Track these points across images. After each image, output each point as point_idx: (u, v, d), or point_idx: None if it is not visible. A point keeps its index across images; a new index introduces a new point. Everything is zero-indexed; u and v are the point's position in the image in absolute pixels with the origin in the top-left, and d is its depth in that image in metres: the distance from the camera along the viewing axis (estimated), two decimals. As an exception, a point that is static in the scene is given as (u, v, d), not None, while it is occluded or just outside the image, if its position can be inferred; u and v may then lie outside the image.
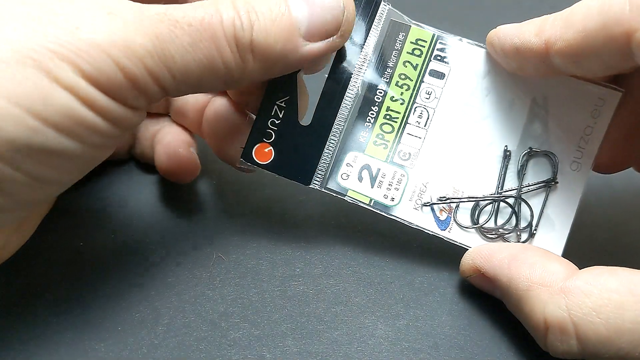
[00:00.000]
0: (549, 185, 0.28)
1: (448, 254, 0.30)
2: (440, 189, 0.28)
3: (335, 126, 0.27)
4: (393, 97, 0.28)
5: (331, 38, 0.25)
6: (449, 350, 0.26)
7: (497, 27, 0.27)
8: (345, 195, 0.28)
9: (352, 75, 0.27)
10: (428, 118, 0.28)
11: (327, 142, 0.27)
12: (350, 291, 0.28)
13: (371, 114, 0.28)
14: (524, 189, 0.28)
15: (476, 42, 0.28)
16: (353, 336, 0.26)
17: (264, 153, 0.27)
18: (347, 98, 0.27)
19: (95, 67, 0.20)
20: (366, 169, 0.28)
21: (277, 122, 0.27)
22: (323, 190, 0.28)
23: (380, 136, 0.28)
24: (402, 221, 0.28)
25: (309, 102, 0.28)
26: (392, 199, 0.28)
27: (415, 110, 0.28)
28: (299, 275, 0.28)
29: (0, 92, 0.19)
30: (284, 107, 0.27)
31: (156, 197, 0.31)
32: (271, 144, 0.27)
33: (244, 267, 0.29)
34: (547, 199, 0.28)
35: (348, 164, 0.28)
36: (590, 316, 0.22)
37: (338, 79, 0.27)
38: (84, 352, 0.25)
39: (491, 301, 0.28)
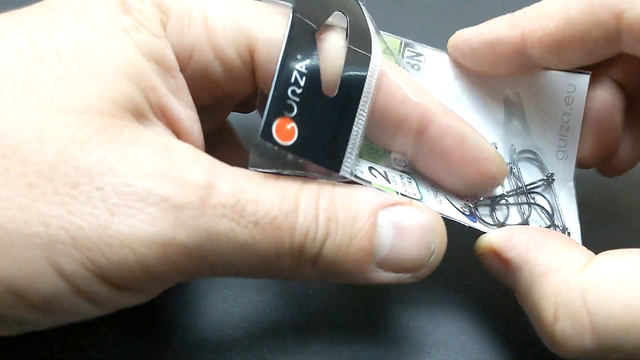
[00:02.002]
0: (549, 180, 0.28)
1: (448, 254, 0.30)
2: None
3: (362, 102, 0.23)
4: None
5: (404, 274, 0.22)
6: (449, 350, 0.26)
7: (458, 31, 0.27)
8: (371, 185, 0.24)
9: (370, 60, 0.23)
10: None
11: (355, 121, 0.23)
12: (350, 291, 0.28)
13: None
14: (529, 186, 0.28)
15: (439, 49, 0.28)
16: (353, 336, 0.26)
17: (285, 131, 0.21)
18: (369, 77, 0.23)
19: (112, 263, 0.18)
20: (374, 169, 0.25)
21: (298, 91, 0.21)
22: (352, 178, 0.23)
23: (369, 146, 0.26)
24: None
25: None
26: (414, 194, 0.25)
27: None
28: (299, 275, 0.28)
29: None
30: (304, 73, 0.22)
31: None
32: (294, 119, 0.21)
33: (244, 267, 0.29)
34: (555, 192, 0.28)
35: (356, 163, 0.25)
36: (608, 302, 0.19)
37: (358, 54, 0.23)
38: (84, 352, 0.25)
39: (491, 301, 0.28)
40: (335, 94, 0.22)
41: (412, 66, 0.28)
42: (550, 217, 0.27)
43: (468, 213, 0.26)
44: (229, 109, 0.27)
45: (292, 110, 0.21)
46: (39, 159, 0.17)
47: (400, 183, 0.25)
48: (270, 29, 0.22)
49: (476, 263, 0.29)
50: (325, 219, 0.20)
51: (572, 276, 0.21)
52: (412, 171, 0.26)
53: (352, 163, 0.23)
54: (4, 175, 0.17)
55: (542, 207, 0.27)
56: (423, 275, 0.22)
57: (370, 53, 0.23)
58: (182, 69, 0.22)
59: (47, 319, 0.19)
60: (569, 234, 0.27)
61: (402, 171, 0.26)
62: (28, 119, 0.18)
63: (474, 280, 0.29)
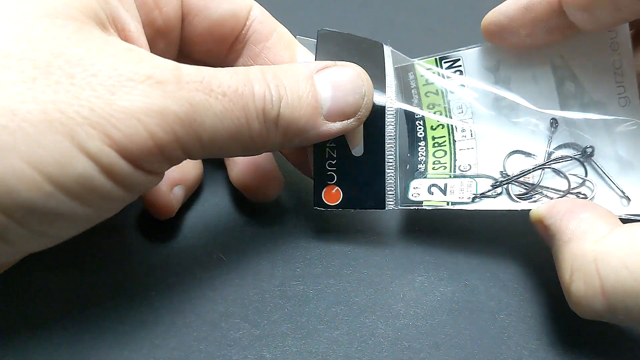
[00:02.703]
0: (586, 154, 0.28)
1: (448, 253, 0.30)
2: (511, 178, 0.29)
3: (387, 147, 0.27)
4: (432, 126, 0.30)
5: (348, 120, 0.26)
6: (449, 350, 0.26)
7: (491, 10, 0.27)
8: (422, 205, 0.28)
9: (386, 109, 0.27)
10: (470, 128, 0.30)
11: (386, 163, 0.27)
12: (350, 291, 0.28)
13: (421, 149, 0.30)
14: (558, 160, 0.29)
15: (472, 45, 0.29)
16: (353, 336, 0.26)
17: (332, 195, 0.28)
18: (388, 125, 0.27)
19: (126, 135, 0.20)
20: (434, 186, 0.29)
21: (333, 162, 0.27)
22: (400, 208, 0.28)
23: (437, 162, 0.29)
24: (484, 210, 0.28)
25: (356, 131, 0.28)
26: (469, 198, 0.28)
27: (456, 127, 0.30)
28: (299, 275, 0.28)
29: (21, 155, 0.18)
30: (334, 146, 0.27)
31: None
32: (336, 184, 0.28)
33: (244, 267, 0.29)
34: (598, 164, 0.28)
35: (415, 187, 0.29)
36: (618, 268, 0.22)
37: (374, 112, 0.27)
38: (84, 352, 0.25)
39: (491, 301, 0.28)
40: (362, 153, 0.27)
41: (454, 74, 0.29)
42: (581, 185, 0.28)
43: (526, 198, 0.28)
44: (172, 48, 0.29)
45: (332, 178, 0.28)
46: (33, 56, 0.19)
47: (458, 190, 0.28)
48: None
49: (476, 263, 0.29)
50: (274, 85, 0.24)
51: (589, 244, 0.23)
52: (473, 174, 0.29)
53: (397, 194, 0.28)
54: (7, 74, 0.19)
55: (576, 176, 0.28)
56: (363, 117, 0.26)
57: (385, 100, 0.27)
58: None
59: (83, 208, 0.20)
60: (628, 199, 0.27)
61: (462, 175, 0.29)
62: (13, 22, 0.20)
63: (474, 280, 0.29)
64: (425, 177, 0.29)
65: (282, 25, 0.29)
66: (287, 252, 0.29)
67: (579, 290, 0.23)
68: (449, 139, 0.30)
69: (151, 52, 0.23)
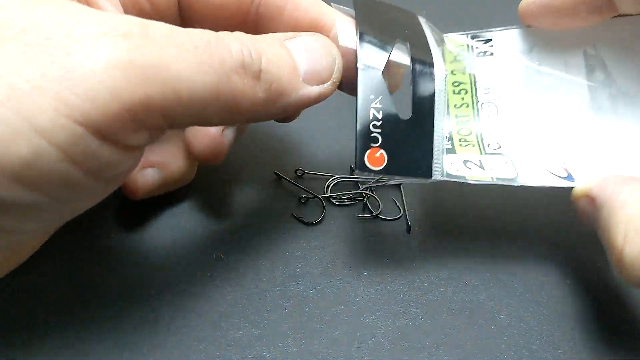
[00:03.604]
0: None
1: (448, 253, 0.30)
2: (544, 158, 0.29)
3: (436, 113, 0.26)
4: (456, 104, 0.30)
5: (325, 84, 0.25)
6: (449, 350, 0.26)
7: None
8: (465, 179, 0.27)
9: (435, 73, 0.26)
10: (497, 108, 0.30)
11: (435, 131, 0.26)
12: (350, 291, 0.28)
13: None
14: None
15: (506, 27, 0.29)
16: (353, 336, 0.26)
17: (375, 158, 0.26)
18: (437, 92, 0.26)
19: (87, 100, 0.17)
20: (468, 161, 0.28)
21: (378, 124, 0.26)
22: (444, 179, 0.27)
23: (462, 140, 0.29)
24: (531, 187, 0.28)
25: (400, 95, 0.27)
26: (510, 174, 0.28)
27: (482, 107, 0.30)
28: (299, 275, 0.28)
29: (20, 114, 0.17)
30: (380, 107, 0.26)
31: (156, 197, 0.31)
32: (380, 146, 0.26)
33: (244, 267, 0.29)
34: None
35: (449, 162, 0.28)
36: None
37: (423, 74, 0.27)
38: (84, 352, 0.25)
39: (491, 301, 0.28)
40: (410, 115, 0.26)
41: (484, 53, 0.29)
42: None
43: (565, 175, 0.28)
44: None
45: (377, 141, 0.25)
46: None
47: (497, 167, 0.28)
48: None
49: (476, 263, 0.29)
50: (252, 44, 0.22)
51: None
52: (505, 153, 0.29)
53: (442, 166, 0.26)
54: None
55: None
56: (337, 80, 0.26)
57: (433, 66, 0.26)
58: None
59: (43, 199, 0.18)
60: None
61: (495, 153, 0.29)
62: None
63: (474, 281, 0.29)
64: (454, 154, 0.29)
65: None
66: (287, 252, 0.29)
67: (633, 252, 0.22)
68: (474, 116, 0.30)
69: None
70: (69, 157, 0.17)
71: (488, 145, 0.29)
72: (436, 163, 0.26)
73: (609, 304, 0.28)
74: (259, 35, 0.24)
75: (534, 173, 0.28)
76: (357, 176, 0.33)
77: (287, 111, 0.25)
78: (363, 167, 0.25)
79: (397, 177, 0.27)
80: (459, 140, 0.29)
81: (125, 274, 0.28)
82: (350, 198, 0.32)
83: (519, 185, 0.27)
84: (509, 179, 0.27)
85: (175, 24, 0.22)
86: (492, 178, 0.27)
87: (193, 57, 0.20)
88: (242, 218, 0.31)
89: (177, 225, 0.30)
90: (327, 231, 0.30)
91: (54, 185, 0.18)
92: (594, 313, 0.28)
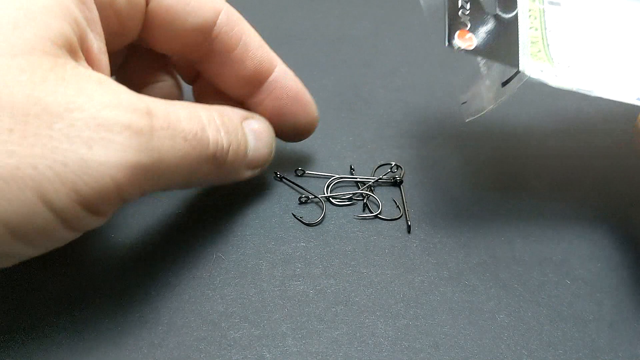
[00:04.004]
0: None
1: (448, 253, 0.30)
2: (615, 77, 0.29)
3: (521, 16, 0.28)
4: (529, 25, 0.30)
5: (256, 170, 0.29)
6: (449, 350, 0.26)
7: None
8: (547, 84, 0.27)
9: None
10: (565, 26, 0.30)
11: (520, 31, 0.28)
12: (350, 291, 0.28)
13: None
14: None
15: None
16: (353, 336, 0.26)
17: (465, 39, 0.27)
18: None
19: (94, 190, 0.20)
20: (544, 70, 0.28)
21: (467, 12, 0.28)
22: (530, 75, 0.27)
23: (535, 55, 0.29)
24: (608, 99, 0.28)
25: None
26: (587, 86, 0.28)
27: (550, 28, 0.30)
28: (299, 275, 0.28)
29: None
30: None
31: (156, 197, 0.31)
32: (470, 30, 0.27)
33: (244, 267, 0.29)
34: None
35: (529, 67, 0.28)
36: None
37: None
38: (84, 352, 0.25)
39: (491, 301, 0.28)
40: (496, 11, 0.28)
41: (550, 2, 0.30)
42: None
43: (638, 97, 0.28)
44: (123, 50, 0.30)
45: (466, 25, 0.27)
46: (11, 104, 0.19)
47: (571, 79, 0.28)
48: None
49: (476, 263, 0.29)
50: (225, 132, 0.26)
51: None
52: (575, 70, 0.29)
53: (526, 64, 0.27)
54: None
55: None
56: (265, 167, 0.30)
57: None
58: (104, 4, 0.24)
59: (29, 250, 0.21)
60: None
61: (566, 70, 0.29)
62: None
63: (474, 281, 0.29)
64: (532, 60, 0.29)
65: (251, 32, 0.29)
66: (287, 252, 0.29)
67: None
68: (542, 37, 0.30)
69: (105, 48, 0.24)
70: (66, 225, 0.21)
71: (558, 62, 0.29)
72: (523, 59, 0.27)
73: (609, 304, 0.28)
74: (226, 110, 0.27)
75: (608, 89, 0.28)
76: (356, 176, 0.33)
77: (229, 182, 0.29)
78: (454, 45, 0.27)
79: (485, 59, 0.28)
80: (531, 46, 0.29)
81: (125, 274, 0.28)
82: (350, 198, 0.32)
83: (596, 96, 0.28)
84: (587, 90, 0.28)
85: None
86: (572, 86, 0.28)
87: (182, 149, 0.23)
88: (242, 218, 0.31)
89: (177, 226, 0.30)
90: (327, 231, 0.30)
91: (47, 241, 0.21)
92: (593, 313, 0.28)
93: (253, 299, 0.27)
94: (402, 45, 0.43)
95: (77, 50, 0.22)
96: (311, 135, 0.32)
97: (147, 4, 0.26)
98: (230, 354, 0.25)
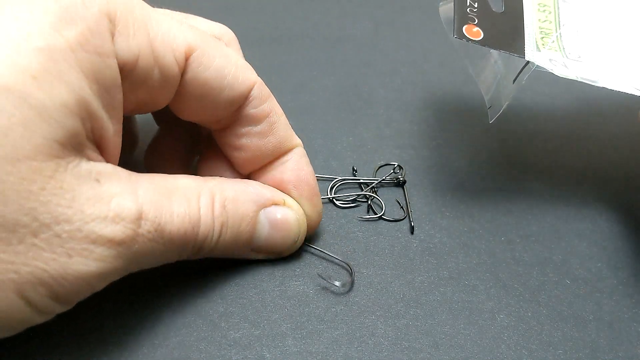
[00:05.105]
0: None
1: (448, 253, 0.30)
2: (623, 70, 0.29)
3: (526, 14, 0.30)
4: (540, 18, 0.31)
5: (272, 255, 0.29)
6: (449, 350, 0.26)
7: None
8: (553, 72, 0.28)
9: None
10: (578, 18, 0.31)
11: (525, 27, 0.29)
12: (350, 291, 0.28)
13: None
14: None
15: None
16: (353, 336, 0.26)
17: (473, 32, 0.28)
18: None
19: (70, 291, 0.22)
20: (553, 59, 0.29)
21: (474, 9, 0.29)
22: (536, 63, 0.28)
23: (546, 44, 0.29)
24: (611, 89, 0.28)
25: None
26: (592, 76, 0.28)
27: (563, 19, 0.31)
28: (299, 275, 0.28)
29: None
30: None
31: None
32: (477, 25, 0.28)
33: (244, 267, 0.29)
34: None
35: (536, 58, 0.29)
36: None
37: None
38: (84, 352, 0.25)
39: (491, 301, 0.28)
40: (502, 10, 0.29)
41: None
42: None
43: None
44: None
45: (474, 20, 0.29)
46: (2, 213, 0.20)
47: (579, 69, 0.29)
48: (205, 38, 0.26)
49: (476, 263, 0.29)
50: (219, 224, 0.25)
51: None
52: (585, 62, 0.29)
53: (532, 54, 0.28)
54: None
55: None
56: (287, 254, 0.29)
57: None
58: (124, 78, 0.23)
59: (1, 333, 0.22)
60: None
61: (576, 60, 0.29)
62: None
63: (474, 281, 0.29)
64: (539, 51, 0.29)
65: (278, 109, 0.28)
66: (287, 252, 0.29)
67: None
68: (555, 26, 0.30)
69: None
70: (40, 314, 0.22)
71: (569, 53, 0.29)
72: (528, 48, 0.28)
73: (609, 304, 0.28)
74: (241, 195, 0.27)
75: (615, 80, 0.28)
76: (360, 177, 0.33)
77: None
78: (460, 34, 0.28)
79: (493, 50, 0.28)
80: (542, 38, 0.30)
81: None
82: (354, 200, 0.32)
83: (600, 87, 0.28)
84: (591, 80, 0.28)
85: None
86: (576, 77, 0.28)
87: (162, 248, 0.24)
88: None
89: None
90: (327, 231, 0.30)
91: (18, 327, 0.22)
92: (593, 313, 0.28)
93: (253, 299, 0.27)
94: (402, 45, 0.43)
95: (85, 143, 0.22)
96: (311, 136, 0.32)
97: (182, 75, 0.25)
98: (230, 354, 0.25)
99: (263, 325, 0.26)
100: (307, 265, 0.29)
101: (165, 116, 0.30)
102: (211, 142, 0.30)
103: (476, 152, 0.35)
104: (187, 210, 0.24)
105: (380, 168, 0.34)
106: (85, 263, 0.21)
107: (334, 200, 0.32)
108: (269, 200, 0.27)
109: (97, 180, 0.22)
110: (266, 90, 0.28)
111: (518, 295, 0.28)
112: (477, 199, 0.32)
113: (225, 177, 0.29)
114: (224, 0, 0.49)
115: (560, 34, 0.30)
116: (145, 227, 0.23)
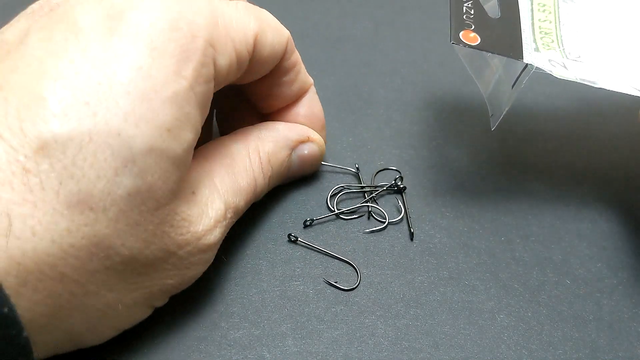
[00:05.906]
0: None
1: (448, 253, 0.30)
2: (624, 71, 0.29)
3: (522, 18, 0.30)
4: (540, 18, 0.31)
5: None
6: (449, 350, 0.26)
7: None
8: (552, 74, 0.28)
9: None
10: (578, 17, 0.31)
11: (522, 29, 0.29)
12: (350, 291, 0.28)
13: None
14: None
15: None
16: (353, 336, 0.26)
17: (470, 38, 0.28)
18: None
19: (182, 290, 0.25)
20: (553, 60, 0.29)
21: (471, 16, 0.29)
22: (535, 65, 0.28)
23: (546, 45, 0.30)
24: (610, 90, 0.28)
25: None
26: (592, 77, 0.28)
27: (563, 18, 0.31)
28: (299, 276, 0.28)
29: None
30: (471, 6, 0.29)
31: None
32: (474, 30, 0.29)
33: (244, 267, 0.29)
34: None
35: (535, 59, 0.29)
36: None
37: None
38: (84, 352, 0.25)
39: (491, 301, 0.28)
40: (499, 16, 0.30)
41: None
42: None
43: None
44: None
45: (471, 26, 0.29)
46: (145, 254, 0.22)
47: (579, 70, 0.29)
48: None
49: (476, 263, 0.29)
50: (267, 178, 0.29)
51: None
52: (585, 62, 0.29)
53: (531, 55, 0.28)
54: None
55: None
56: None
57: None
58: (217, 85, 0.25)
59: None
60: None
61: (576, 61, 0.29)
62: None
63: (474, 281, 0.29)
64: (539, 52, 0.29)
65: (299, 56, 0.30)
66: (287, 252, 0.29)
67: None
68: (555, 24, 0.30)
69: None
70: (154, 309, 0.25)
71: (569, 53, 0.30)
72: (526, 51, 0.28)
73: (608, 304, 0.28)
74: (279, 144, 0.30)
75: (614, 81, 0.29)
76: (359, 185, 0.33)
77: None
78: (457, 40, 0.28)
79: (491, 54, 0.29)
80: (542, 38, 0.30)
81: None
82: (356, 211, 0.31)
83: (600, 87, 0.28)
84: (590, 81, 0.28)
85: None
86: (575, 78, 0.28)
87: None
88: (242, 218, 0.31)
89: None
90: (327, 232, 0.30)
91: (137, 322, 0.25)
92: (593, 313, 0.28)
93: (253, 299, 0.27)
94: (402, 45, 0.43)
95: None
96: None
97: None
98: (230, 354, 0.25)
99: (263, 325, 0.26)
100: (307, 265, 0.29)
101: None
102: (228, 91, 0.31)
103: (476, 152, 0.35)
104: (249, 182, 0.27)
105: (379, 173, 0.34)
106: (198, 269, 0.25)
107: (340, 215, 0.31)
108: (297, 142, 0.30)
109: (193, 193, 0.24)
110: (291, 39, 0.29)
111: (518, 295, 0.28)
112: (477, 199, 0.32)
113: (249, 121, 0.31)
114: (224, 0, 0.49)
115: (560, 33, 0.30)
116: (229, 215, 0.26)
